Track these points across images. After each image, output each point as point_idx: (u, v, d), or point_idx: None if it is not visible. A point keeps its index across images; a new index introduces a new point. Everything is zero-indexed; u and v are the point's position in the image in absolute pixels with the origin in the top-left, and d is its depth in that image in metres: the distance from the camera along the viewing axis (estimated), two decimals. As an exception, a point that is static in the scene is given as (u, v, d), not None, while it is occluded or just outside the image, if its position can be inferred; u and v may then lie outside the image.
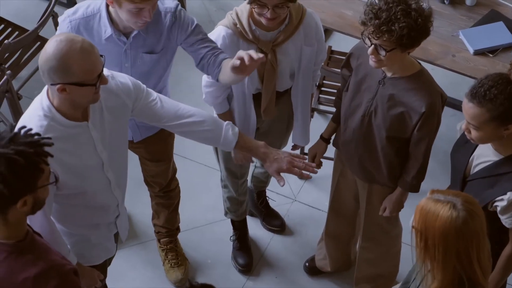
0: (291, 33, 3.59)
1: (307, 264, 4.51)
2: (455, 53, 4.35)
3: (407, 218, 3.82)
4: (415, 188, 3.63)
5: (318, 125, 4.67)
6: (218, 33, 3.58)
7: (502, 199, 3.07)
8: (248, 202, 4.51)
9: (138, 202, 4.63)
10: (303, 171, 3.27)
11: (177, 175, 4.27)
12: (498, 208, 3.10)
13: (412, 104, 3.33)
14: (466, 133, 3.09)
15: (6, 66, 4.67)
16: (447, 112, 4.82)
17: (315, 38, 3.69)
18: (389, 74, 3.38)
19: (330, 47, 4.82)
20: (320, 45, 3.75)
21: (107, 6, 3.37)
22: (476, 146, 3.21)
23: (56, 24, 4.82)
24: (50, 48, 2.81)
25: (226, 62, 3.36)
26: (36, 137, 2.60)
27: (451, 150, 3.37)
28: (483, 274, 2.61)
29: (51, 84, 2.86)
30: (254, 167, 4.51)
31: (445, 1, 4.58)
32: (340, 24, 4.50)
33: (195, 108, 3.30)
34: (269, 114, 3.82)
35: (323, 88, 4.68)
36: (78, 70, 2.81)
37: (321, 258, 4.41)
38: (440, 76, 4.67)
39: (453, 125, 4.84)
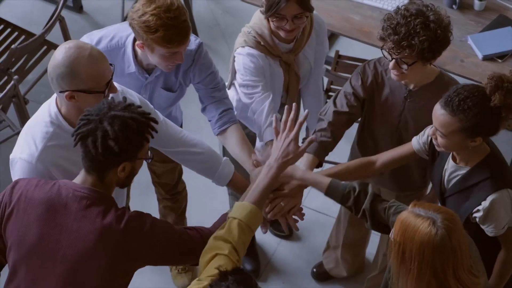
0: (306, 39, 3.60)
1: (314, 270, 4.50)
2: (464, 58, 4.34)
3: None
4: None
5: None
6: (247, 54, 3.55)
7: (478, 210, 3.05)
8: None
9: (146, 207, 4.56)
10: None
11: (184, 181, 4.26)
12: (477, 219, 3.08)
13: None
14: (433, 139, 3.06)
15: (13, 70, 4.67)
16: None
17: (324, 36, 3.75)
18: (411, 87, 3.34)
19: (337, 51, 4.81)
20: (325, 41, 3.82)
21: (134, 41, 3.32)
22: (446, 160, 3.18)
23: (63, 28, 4.82)
24: (59, 55, 2.81)
25: (231, 131, 3.44)
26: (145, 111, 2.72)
27: (427, 166, 3.35)
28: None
29: (60, 92, 2.85)
30: None
31: (454, 6, 4.56)
32: (347, 28, 4.49)
33: (197, 137, 3.35)
34: None
35: (330, 93, 4.67)
36: (86, 77, 2.80)
37: (333, 266, 4.40)
38: (448, 81, 4.67)
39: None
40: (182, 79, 3.50)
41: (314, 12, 3.65)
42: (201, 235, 2.92)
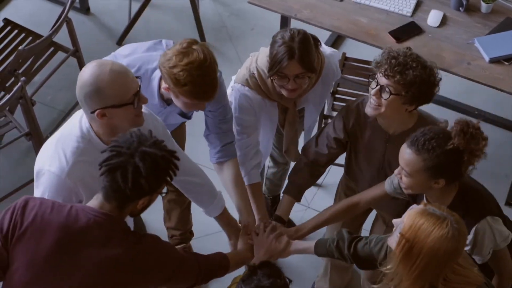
0: (311, 87, 3.59)
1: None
2: (470, 61, 4.33)
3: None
4: None
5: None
6: (245, 95, 3.57)
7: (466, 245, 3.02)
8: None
9: (152, 208, 4.60)
10: None
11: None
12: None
13: None
14: (398, 178, 3.09)
15: (20, 72, 4.68)
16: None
17: (333, 79, 3.75)
18: (390, 131, 3.37)
19: (344, 53, 4.80)
20: (337, 77, 3.84)
21: (160, 78, 3.32)
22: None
23: (70, 29, 4.83)
24: (82, 76, 2.85)
25: (228, 165, 3.55)
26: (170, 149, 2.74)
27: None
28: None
29: (91, 113, 2.87)
30: (267, 168, 4.49)
31: (460, 9, 4.56)
32: (354, 31, 4.48)
33: (199, 167, 3.46)
34: (292, 155, 3.90)
35: (337, 95, 4.66)
36: (111, 91, 2.82)
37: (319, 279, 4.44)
38: (455, 83, 4.67)
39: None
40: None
41: (329, 53, 3.64)
42: (197, 259, 3.02)
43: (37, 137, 4.56)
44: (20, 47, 4.49)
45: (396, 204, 3.60)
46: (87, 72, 2.84)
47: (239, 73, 3.63)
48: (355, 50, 5.10)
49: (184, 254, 2.99)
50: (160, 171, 2.67)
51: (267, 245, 3.40)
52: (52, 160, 2.94)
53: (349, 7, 4.60)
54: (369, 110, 3.27)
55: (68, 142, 2.93)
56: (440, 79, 3.23)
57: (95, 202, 2.74)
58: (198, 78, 3.11)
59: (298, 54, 3.33)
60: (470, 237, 3.05)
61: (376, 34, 4.45)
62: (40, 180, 2.97)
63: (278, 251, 3.43)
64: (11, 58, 4.67)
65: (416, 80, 3.13)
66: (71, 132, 2.96)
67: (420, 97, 3.19)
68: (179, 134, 3.96)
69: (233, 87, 3.63)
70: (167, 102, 3.43)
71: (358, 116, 3.44)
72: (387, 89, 3.17)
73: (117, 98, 2.83)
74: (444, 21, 4.52)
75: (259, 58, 3.57)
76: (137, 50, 3.44)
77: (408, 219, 2.64)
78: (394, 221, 2.74)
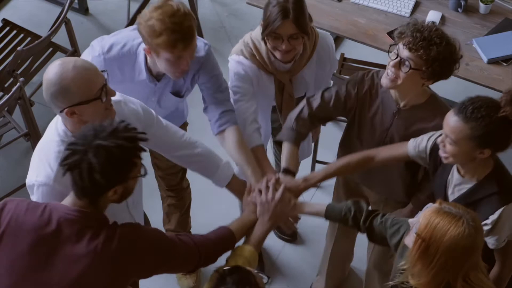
0: (306, 61, 3.58)
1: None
2: (469, 61, 4.33)
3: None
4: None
5: (332, 134, 4.66)
6: (238, 62, 3.57)
7: (486, 224, 3.03)
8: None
9: (152, 210, 4.61)
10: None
11: (190, 182, 4.27)
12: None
13: (434, 128, 3.27)
14: (440, 147, 3.04)
15: (19, 72, 4.68)
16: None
17: (328, 60, 3.70)
18: (402, 104, 3.33)
19: (342, 54, 4.81)
20: (333, 63, 3.78)
21: (145, 54, 3.35)
22: (450, 172, 3.17)
23: (69, 30, 4.83)
24: (46, 76, 2.82)
25: (229, 132, 3.46)
26: (133, 131, 2.67)
27: (431, 176, 3.33)
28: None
29: (60, 112, 2.85)
30: None
31: (459, 9, 4.56)
32: (353, 32, 4.49)
33: (196, 140, 3.40)
34: None
35: (335, 96, 4.67)
36: (76, 89, 2.79)
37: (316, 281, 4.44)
38: (453, 84, 4.66)
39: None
40: (190, 83, 3.52)
41: (324, 32, 3.65)
42: (193, 240, 2.95)
43: (35, 138, 4.56)
44: (18, 48, 4.50)
45: (385, 190, 3.63)
46: (51, 72, 2.80)
47: (234, 48, 3.65)
48: (354, 50, 5.11)
49: (177, 238, 2.91)
50: (118, 162, 2.62)
51: (272, 207, 3.24)
52: (38, 171, 2.94)
53: (348, 7, 4.60)
54: (385, 81, 3.22)
55: (49, 148, 2.93)
56: (462, 56, 3.21)
57: (69, 199, 2.74)
58: (172, 25, 3.11)
59: (292, 14, 3.33)
60: (493, 217, 3.02)
61: (374, 35, 4.45)
62: (33, 193, 2.98)
63: (284, 213, 3.29)
64: (10, 58, 4.68)
65: (438, 57, 3.09)
66: (50, 139, 2.96)
67: (440, 73, 3.16)
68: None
69: (229, 60, 3.63)
70: (157, 78, 3.43)
71: (372, 85, 3.38)
72: (407, 62, 3.13)
73: (83, 94, 2.80)
74: (442, 22, 4.52)
75: (254, 31, 3.59)
76: (123, 30, 3.49)
77: (424, 219, 2.62)
78: (410, 220, 2.73)
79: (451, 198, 3.18)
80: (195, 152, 3.36)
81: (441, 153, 3.05)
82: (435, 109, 3.28)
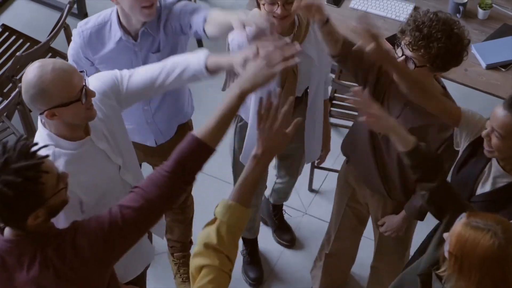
0: (304, 34, 3.58)
1: None
2: (467, 67, 4.34)
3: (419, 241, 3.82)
4: (421, 216, 3.58)
5: (331, 139, 4.66)
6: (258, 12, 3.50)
7: None
8: (263, 209, 4.50)
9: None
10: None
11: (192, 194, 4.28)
12: None
13: (440, 126, 3.28)
14: (485, 140, 3.01)
15: (18, 77, 4.68)
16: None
17: None
18: None
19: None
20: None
21: (118, 12, 3.43)
22: (486, 163, 3.15)
23: (68, 35, 4.84)
24: (26, 78, 2.79)
25: (210, 15, 3.33)
26: (32, 149, 2.52)
27: (454, 168, 3.30)
28: None
29: (40, 114, 2.83)
30: (274, 183, 4.50)
31: (457, 15, 4.57)
32: (352, 37, 4.47)
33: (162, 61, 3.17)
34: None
35: (334, 101, 4.67)
36: (56, 91, 2.76)
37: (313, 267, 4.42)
38: (452, 89, 4.65)
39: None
40: (165, 34, 3.48)
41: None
42: (142, 195, 2.66)
43: (34, 143, 4.56)
44: (18, 53, 4.51)
45: (387, 188, 3.61)
46: (30, 74, 2.76)
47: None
48: (353, 56, 5.11)
49: (119, 213, 2.63)
50: (11, 201, 2.48)
51: (270, 137, 2.65)
52: None
53: (346, 13, 4.61)
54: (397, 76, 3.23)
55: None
56: (469, 41, 3.18)
57: (6, 229, 2.65)
58: None
59: None
60: None
61: (373, 40, 4.45)
62: None
63: (280, 141, 2.67)
64: (9, 64, 4.68)
65: (440, 53, 3.08)
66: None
67: (448, 65, 3.16)
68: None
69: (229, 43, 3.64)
70: (135, 38, 3.45)
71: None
72: (412, 60, 3.14)
73: (63, 96, 2.77)
74: (441, 28, 4.53)
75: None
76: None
77: (453, 236, 2.57)
78: (445, 235, 2.68)
79: (479, 191, 3.16)
80: (168, 66, 3.11)
81: (486, 147, 3.01)
82: None
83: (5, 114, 4.56)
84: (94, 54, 3.50)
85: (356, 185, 3.80)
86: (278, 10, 3.40)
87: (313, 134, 3.92)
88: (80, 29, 3.47)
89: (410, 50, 3.13)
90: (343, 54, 3.34)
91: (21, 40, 5.02)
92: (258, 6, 3.48)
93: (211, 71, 3.02)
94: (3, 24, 5.12)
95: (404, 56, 3.16)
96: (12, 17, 5.70)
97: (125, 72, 3.11)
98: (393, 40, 4.34)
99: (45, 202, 2.55)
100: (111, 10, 3.46)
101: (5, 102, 4.31)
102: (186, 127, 3.93)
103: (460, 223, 2.58)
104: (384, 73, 3.34)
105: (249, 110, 3.74)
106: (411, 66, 3.15)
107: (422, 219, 3.60)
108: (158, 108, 3.70)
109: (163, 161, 3.95)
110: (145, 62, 3.49)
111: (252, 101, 3.69)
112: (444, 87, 3.35)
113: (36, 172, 2.51)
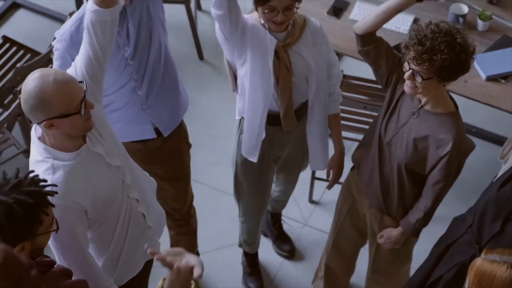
0: (299, 34, 3.60)
1: None
2: (467, 78, 4.33)
3: (417, 256, 3.81)
4: (416, 232, 3.58)
5: (331, 151, 4.65)
6: (251, 16, 3.59)
7: None
8: (263, 221, 4.50)
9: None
10: None
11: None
12: None
13: (439, 142, 3.29)
14: None
15: (18, 89, 4.69)
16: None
17: (323, 39, 3.71)
18: (423, 102, 3.33)
19: (341, 71, 4.81)
20: (329, 52, 3.77)
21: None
22: None
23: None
24: (26, 87, 2.79)
25: None
26: (41, 183, 2.58)
27: (495, 184, 3.29)
28: None
29: (38, 123, 2.84)
30: (272, 191, 4.48)
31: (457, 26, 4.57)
32: (352, 49, 4.47)
33: None
34: (289, 122, 3.77)
35: (335, 113, 4.67)
36: (57, 102, 2.77)
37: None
38: (452, 101, 4.68)
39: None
40: (147, 16, 3.49)
41: (311, 18, 3.68)
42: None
43: (35, 154, 4.56)
44: (18, 64, 4.53)
45: (386, 203, 3.61)
46: (30, 84, 2.77)
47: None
48: (353, 68, 5.12)
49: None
50: (18, 220, 2.52)
51: None
52: None
53: (347, 24, 4.62)
54: (407, 89, 3.26)
55: (37, 170, 2.86)
56: (474, 48, 3.19)
57: None
58: None
59: None
60: None
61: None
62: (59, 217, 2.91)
63: None
64: (10, 75, 4.68)
65: (444, 65, 3.10)
66: (34, 160, 2.93)
67: (454, 75, 3.18)
68: (184, 148, 3.98)
69: None
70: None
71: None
72: (418, 74, 3.17)
73: (63, 108, 2.78)
74: (441, 39, 4.53)
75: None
76: None
77: (471, 272, 2.62)
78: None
79: None
80: (85, 34, 3.11)
81: None
82: (452, 125, 3.28)
83: (5, 126, 4.57)
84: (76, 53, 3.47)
85: (357, 194, 3.80)
86: (279, 17, 3.43)
87: (316, 146, 3.90)
88: (59, 36, 3.44)
89: (415, 64, 3.16)
90: (375, 41, 3.43)
91: (21, 52, 5.02)
92: (256, 9, 3.51)
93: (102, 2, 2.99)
94: (3, 36, 5.13)
95: (410, 70, 3.19)
96: (12, 29, 5.71)
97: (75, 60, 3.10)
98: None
99: (35, 237, 2.58)
100: (83, 6, 3.41)
101: (6, 113, 4.31)
102: (181, 128, 3.91)
103: (478, 259, 2.63)
104: (403, 80, 3.36)
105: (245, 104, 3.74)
106: (418, 79, 3.17)
107: (417, 235, 3.61)
108: (149, 90, 3.65)
109: (163, 172, 3.97)
110: (129, 38, 3.49)
111: (247, 93, 3.68)
112: (456, 113, 3.35)
113: (45, 200, 2.56)
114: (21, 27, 5.79)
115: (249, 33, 3.57)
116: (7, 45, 5.06)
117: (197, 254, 4.44)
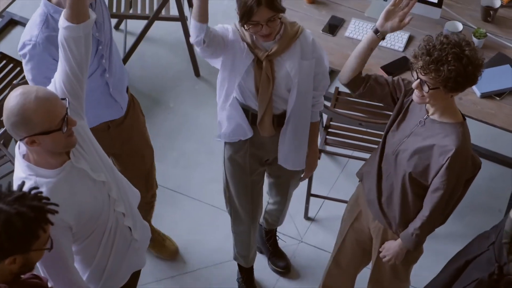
0: (287, 45, 3.61)
1: None
2: (462, 95, 4.35)
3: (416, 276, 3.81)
4: (415, 245, 3.57)
5: (326, 167, 4.67)
6: (229, 27, 3.62)
7: None
8: (257, 236, 4.51)
9: (159, 217, 4.61)
10: None
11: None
12: None
13: (442, 149, 3.31)
14: None
15: (15, 105, 4.70)
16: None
17: (312, 54, 3.71)
18: (430, 112, 3.37)
19: (337, 88, 4.84)
20: (320, 66, 3.77)
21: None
22: None
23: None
24: (8, 105, 2.80)
25: None
26: (44, 200, 2.59)
27: None
28: None
29: (20, 140, 2.85)
30: (267, 203, 4.50)
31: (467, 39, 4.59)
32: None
33: None
34: (265, 129, 3.79)
35: (330, 130, 4.69)
36: (38, 119, 2.78)
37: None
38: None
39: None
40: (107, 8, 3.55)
41: (309, 31, 3.69)
42: None
43: (31, 171, 4.56)
44: (14, 81, 4.52)
45: (390, 216, 3.61)
46: (12, 101, 2.78)
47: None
48: (348, 84, 5.13)
49: None
50: (16, 232, 2.53)
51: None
52: None
53: (342, 42, 4.64)
54: (415, 98, 3.31)
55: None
56: (483, 61, 3.23)
57: None
58: None
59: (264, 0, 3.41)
60: None
61: (368, 69, 4.47)
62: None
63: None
64: (6, 92, 4.69)
65: (451, 75, 3.14)
66: (19, 176, 2.93)
67: (460, 87, 3.22)
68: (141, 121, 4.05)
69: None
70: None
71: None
72: (425, 83, 3.21)
73: (45, 125, 2.79)
74: (436, 56, 4.55)
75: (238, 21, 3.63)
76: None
77: None
78: None
79: None
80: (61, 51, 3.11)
81: None
82: (457, 134, 3.31)
83: (1, 142, 4.57)
84: (51, 51, 3.47)
85: (363, 206, 3.81)
86: (264, 30, 3.47)
87: (288, 147, 3.89)
88: (32, 42, 3.44)
89: (422, 74, 3.21)
90: (363, 81, 3.54)
91: (18, 68, 5.03)
92: (243, 26, 3.52)
93: (73, 15, 2.98)
94: (0, 52, 5.15)
95: (418, 80, 3.24)
96: (10, 46, 5.72)
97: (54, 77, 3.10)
98: (387, 69, 4.43)
99: (28, 251, 2.58)
100: (40, 6, 3.42)
101: (2, 130, 4.32)
102: (133, 99, 4.00)
103: None
104: (410, 92, 3.42)
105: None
106: (425, 88, 3.21)
107: (415, 249, 3.60)
108: (113, 71, 3.70)
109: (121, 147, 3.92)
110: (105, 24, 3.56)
111: (218, 81, 3.74)
112: (463, 123, 3.37)
113: (45, 217, 2.57)
114: (17, 44, 5.78)
115: (230, 46, 3.62)
116: (4, 61, 5.07)
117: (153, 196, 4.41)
